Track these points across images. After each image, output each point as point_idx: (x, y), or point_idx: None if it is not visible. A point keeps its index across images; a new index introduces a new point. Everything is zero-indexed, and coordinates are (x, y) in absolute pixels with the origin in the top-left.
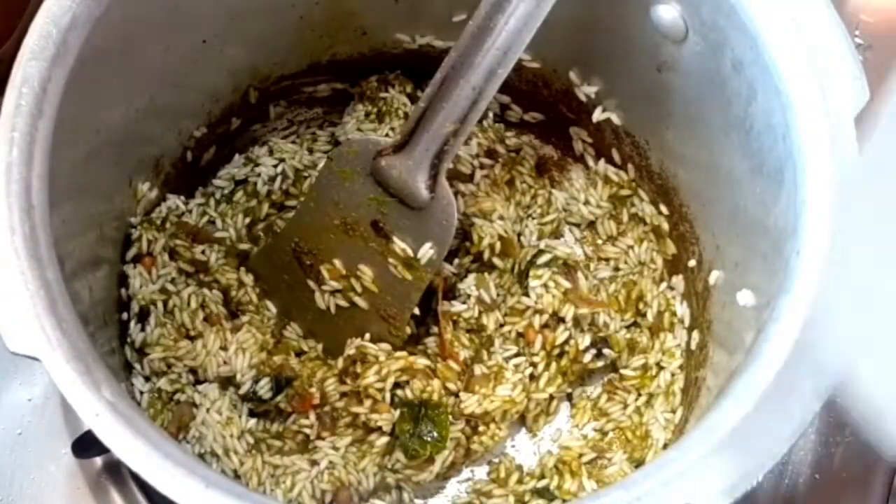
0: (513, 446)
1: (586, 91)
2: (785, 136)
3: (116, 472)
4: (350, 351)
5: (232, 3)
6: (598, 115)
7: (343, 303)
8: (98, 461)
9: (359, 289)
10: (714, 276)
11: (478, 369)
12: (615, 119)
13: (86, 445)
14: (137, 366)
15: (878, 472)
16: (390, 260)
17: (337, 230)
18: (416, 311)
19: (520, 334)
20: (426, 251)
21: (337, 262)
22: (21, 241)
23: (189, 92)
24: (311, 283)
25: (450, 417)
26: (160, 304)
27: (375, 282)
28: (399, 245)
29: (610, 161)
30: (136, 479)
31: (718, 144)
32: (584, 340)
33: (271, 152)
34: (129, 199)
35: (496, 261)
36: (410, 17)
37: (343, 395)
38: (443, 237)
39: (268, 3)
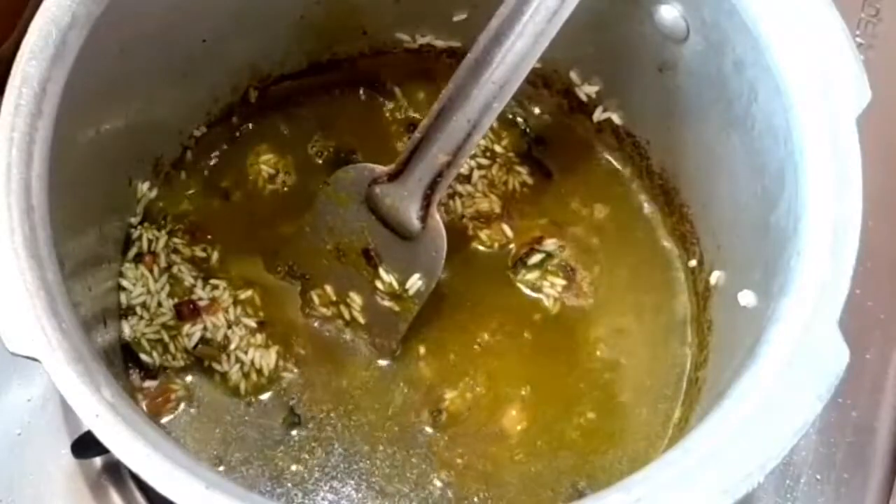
0: None
1: (587, 91)
2: (786, 136)
3: (116, 472)
4: None
5: (232, 3)
6: (598, 115)
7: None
8: (98, 461)
9: (347, 317)
10: (715, 277)
11: None
12: (616, 119)
13: (85, 446)
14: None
15: (878, 473)
16: (378, 289)
17: (329, 256)
18: None
19: None
20: (414, 282)
21: (328, 288)
22: (21, 241)
23: (189, 91)
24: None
25: None
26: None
27: (364, 311)
28: (385, 277)
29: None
30: (136, 479)
31: (719, 145)
32: None
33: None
34: (130, 199)
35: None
36: (410, 16)
37: None
38: (432, 268)
39: (268, 2)
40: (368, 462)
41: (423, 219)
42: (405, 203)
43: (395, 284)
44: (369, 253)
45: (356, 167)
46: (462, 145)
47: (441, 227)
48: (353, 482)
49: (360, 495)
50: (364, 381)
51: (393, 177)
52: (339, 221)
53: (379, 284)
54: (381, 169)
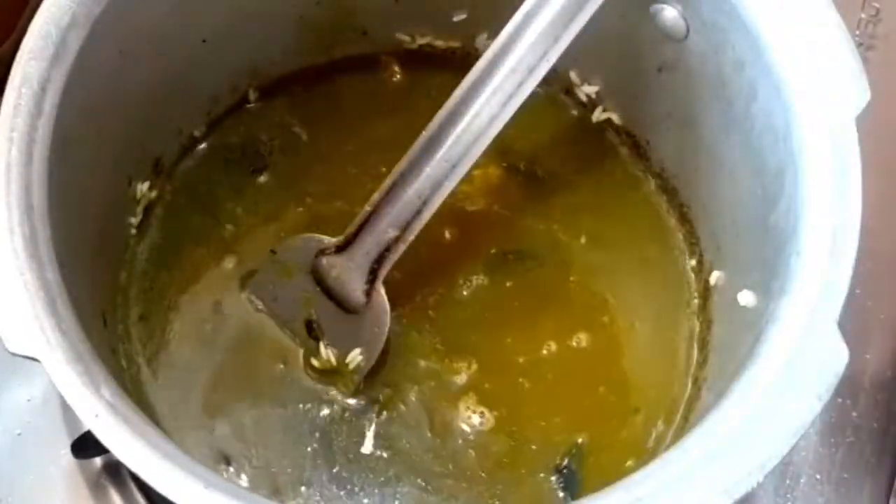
0: None
1: (586, 91)
2: (785, 136)
3: (116, 472)
4: None
5: (232, 3)
6: (598, 115)
7: None
8: (98, 461)
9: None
10: (714, 277)
11: None
12: (616, 119)
13: (85, 446)
14: None
15: (878, 473)
16: (313, 366)
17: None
18: None
19: None
20: (355, 356)
21: None
22: (21, 241)
23: (188, 92)
24: None
25: None
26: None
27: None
28: (323, 353)
29: None
30: (136, 479)
31: (719, 145)
32: None
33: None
34: (129, 199)
35: None
36: (410, 17)
37: None
38: (373, 344)
39: (268, 2)
40: None
41: (369, 293)
42: (351, 276)
43: (333, 360)
44: (311, 325)
45: (304, 237)
46: (411, 221)
47: (385, 304)
48: None
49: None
50: None
51: (340, 249)
52: (282, 292)
53: (314, 361)
54: (328, 240)
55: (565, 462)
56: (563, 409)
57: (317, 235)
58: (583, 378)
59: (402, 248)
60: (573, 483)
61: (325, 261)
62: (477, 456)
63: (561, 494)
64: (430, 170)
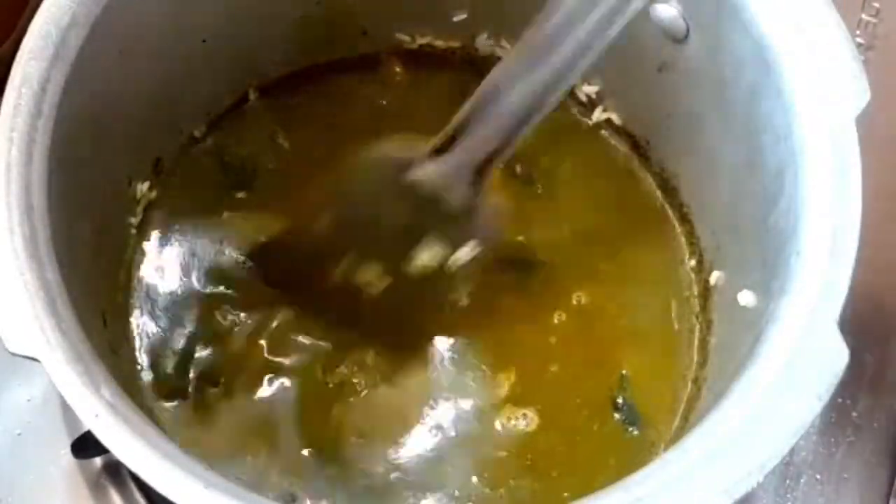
0: None
1: (586, 91)
2: (786, 136)
3: (116, 472)
4: None
5: (232, 3)
6: (598, 115)
7: None
8: (98, 461)
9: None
10: (714, 277)
11: None
12: (616, 119)
13: (85, 446)
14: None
15: (878, 473)
16: (408, 273)
17: (365, 231)
18: None
19: None
20: (465, 253)
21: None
22: (21, 241)
23: (188, 92)
24: None
25: None
26: None
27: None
28: (422, 257)
29: None
30: (136, 479)
31: (719, 145)
32: None
33: None
34: (129, 199)
35: None
36: (410, 17)
37: None
38: (489, 236)
39: (268, 2)
40: None
41: (475, 191)
42: (454, 179)
43: (435, 263)
44: (408, 230)
45: (399, 137)
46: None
47: (496, 203)
48: None
49: None
50: None
51: (440, 151)
52: (377, 195)
53: (410, 267)
54: (421, 148)
55: (620, 399)
56: (593, 371)
57: (412, 136)
58: (597, 338)
59: (509, 152)
60: (634, 414)
61: (421, 167)
62: (534, 454)
63: (630, 429)
64: (540, 75)
